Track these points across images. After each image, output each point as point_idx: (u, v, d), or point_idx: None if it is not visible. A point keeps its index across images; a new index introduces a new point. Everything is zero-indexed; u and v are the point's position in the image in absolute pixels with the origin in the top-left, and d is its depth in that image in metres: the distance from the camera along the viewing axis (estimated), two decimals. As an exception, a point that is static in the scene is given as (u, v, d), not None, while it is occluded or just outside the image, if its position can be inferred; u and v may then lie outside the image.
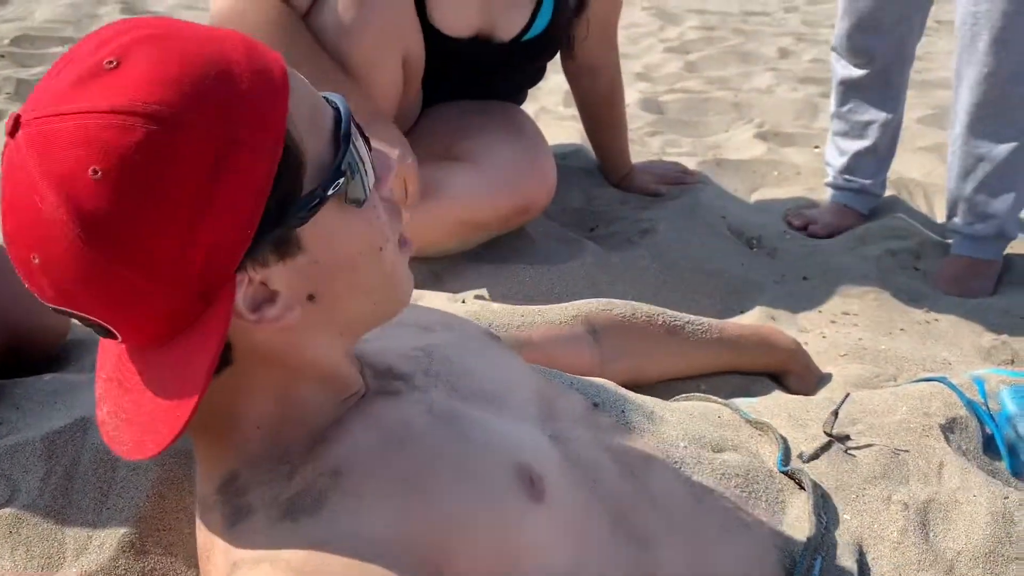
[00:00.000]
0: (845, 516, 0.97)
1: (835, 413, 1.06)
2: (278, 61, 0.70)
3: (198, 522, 0.79)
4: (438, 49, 1.68)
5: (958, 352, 1.54)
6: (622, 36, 2.42)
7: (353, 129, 0.73)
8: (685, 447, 0.98)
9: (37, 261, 0.64)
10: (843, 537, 0.95)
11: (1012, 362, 1.55)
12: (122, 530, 0.85)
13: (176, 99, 0.62)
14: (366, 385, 0.82)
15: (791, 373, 1.40)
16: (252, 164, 0.64)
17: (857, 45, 1.89)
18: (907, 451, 1.06)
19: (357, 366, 0.83)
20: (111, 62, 0.63)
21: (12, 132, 0.64)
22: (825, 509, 0.97)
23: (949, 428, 1.11)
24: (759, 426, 1.06)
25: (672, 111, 2.97)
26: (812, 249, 1.90)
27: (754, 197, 2.22)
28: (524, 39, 1.72)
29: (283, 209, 0.67)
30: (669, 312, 1.31)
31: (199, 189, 0.62)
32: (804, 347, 1.51)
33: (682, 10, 4.59)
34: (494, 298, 1.63)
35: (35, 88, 0.65)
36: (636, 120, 2.80)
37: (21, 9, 3.71)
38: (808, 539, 0.93)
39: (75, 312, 0.66)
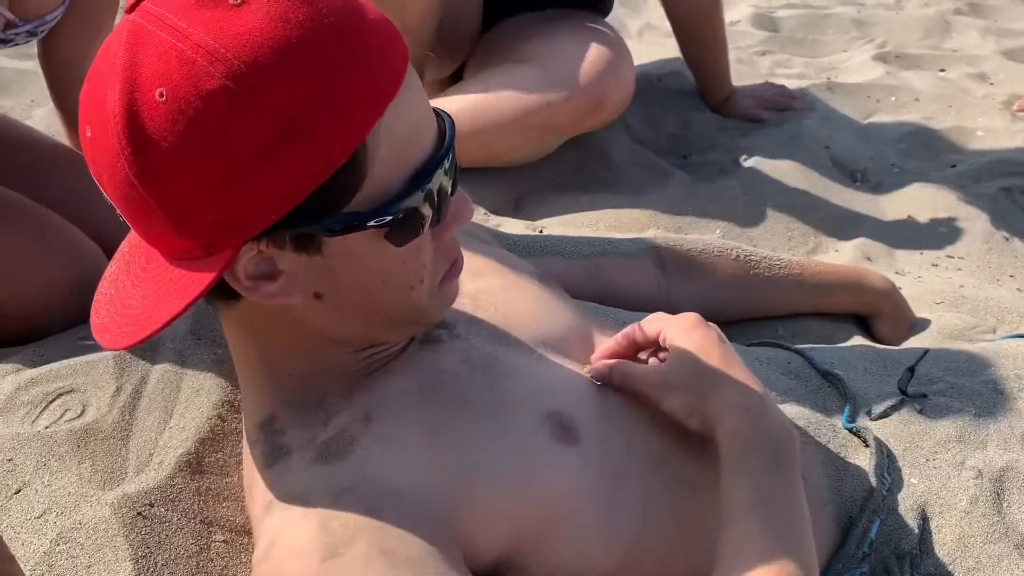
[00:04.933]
0: (912, 480, 0.92)
1: (911, 369, 1.00)
2: (402, 62, 0.66)
3: (244, 455, 0.82)
4: None
5: (1072, 304, 1.42)
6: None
7: (439, 173, 0.69)
8: (742, 397, 0.95)
9: (89, 134, 0.65)
10: (906, 502, 0.90)
11: None
12: (181, 450, 0.89)
13: (267, 67, 0.60)
14: None
15: (882, 317, 1.33)
16: (307, 161, 0.62)
17: None
18: (990, 414, 0.99)
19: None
20: None
21: (130, 8, 0.64)
22: (889, 470, 0.92)
23: (1043, 392, 1.03)
24: (829, 378, 1.01)
25: (787, 28, 2.80)
26: (922, 184, 1.77)
27: (865, 126, 2.09)
28: None
29: (315, 214, 0.65)
30: (744, 247, 1.25)
31: (242, 160, 0.61)
32: (898, 291, 1.43)
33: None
34: (575, 227, 1.60)
35: None
36: (746, 38, 2.66)
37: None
38: (867, 499, 0.89)
39: (104, 192, 0.67)
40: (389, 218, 0.67)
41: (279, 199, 0.63)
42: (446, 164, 0.70)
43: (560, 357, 0.88)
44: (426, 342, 0.83)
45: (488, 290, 0.92)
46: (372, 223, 0.67)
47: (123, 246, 0.76)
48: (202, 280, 0.65)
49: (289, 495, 0.73)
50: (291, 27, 0.61)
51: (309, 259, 0.68)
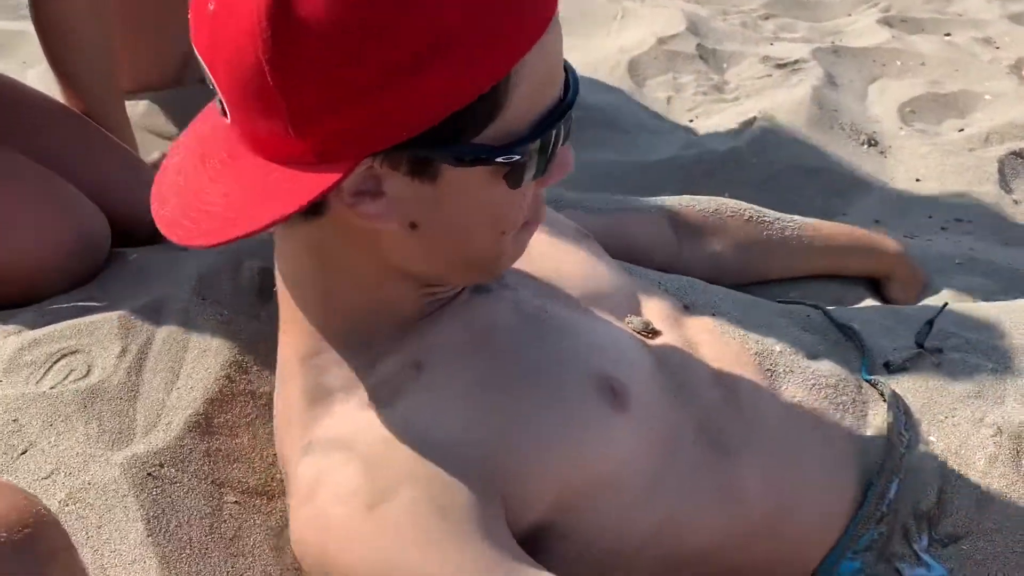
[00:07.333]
0: (931, 438, 0.91)
1: (930, 323, 0.98)
2: (553, 2, 0.64)
3: (277, 390, 0.80)
4: None
5: (1083, 264, 1.41)
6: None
7: (563, 122, 0.67)
8: (780, 352, 0.93)
9: (212, 8, 0.60)
10: (925, 460, 0.89)
11: None
12: (189, 411, 0.87)
13: None
14: None
15: (894, 279, 1.31)
16: (453, 81, 0.59)
17: None
18: (1007, 370, 0.98)
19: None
20: None
21: None
22: (907, 426, 0.91)
23: (1060, 348, 1.02)
24: (846, 332, 0.99)
25: (790, -8, 2.76)
26: (930, 148, 1.76)
27: (871, 89, 2.06)
28: None
29: (444, 141, 0.62)
30: (758, 208, 1.24)
31: (390, 68, 0.58)
32: (908, 255, 1.41)
33: None
34: (581, 190, 1.58)
35: None
36: (750, 1, 2.62)
37: None
38: (885, 461, 0.88)
39: (208, 73, 0.62)
40: (516, 157, 0.65)
41: (415, 117, 0.60)
42: (570, 113, 0.68)
43: (607, 314, 0.87)
44: (477, 291, 0.81)
45: (535, 243, 0.91)
46: (501, 159, 0.64)
47: (185, 138, 0.70)
48: (314, 187, 0.61)
49: (331, 439, 0.71)
50: None
51: (420, 186, 0.65)
